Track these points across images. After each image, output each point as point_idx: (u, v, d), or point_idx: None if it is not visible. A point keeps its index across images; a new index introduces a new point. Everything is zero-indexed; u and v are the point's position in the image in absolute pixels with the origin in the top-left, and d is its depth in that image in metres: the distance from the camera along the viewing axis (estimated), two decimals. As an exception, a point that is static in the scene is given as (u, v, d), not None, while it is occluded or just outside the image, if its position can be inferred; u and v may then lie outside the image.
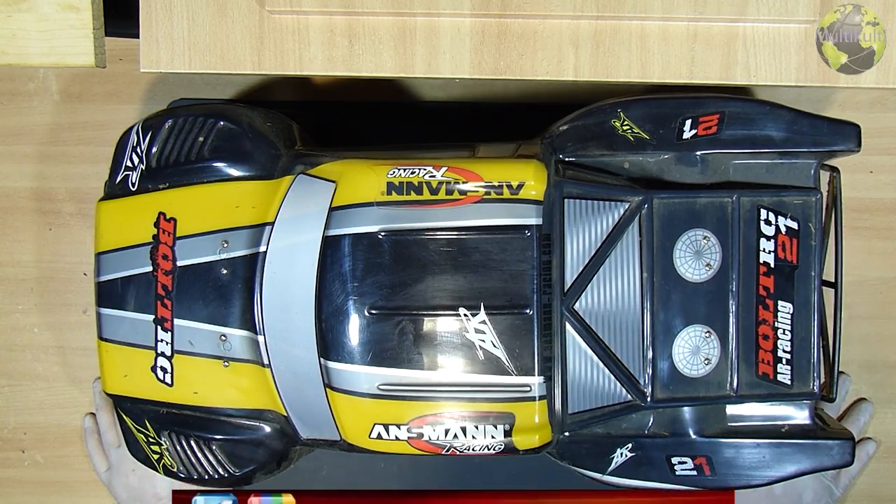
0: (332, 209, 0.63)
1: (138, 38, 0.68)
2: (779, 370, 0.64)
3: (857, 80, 0.67)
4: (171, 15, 0.67)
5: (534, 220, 0.62)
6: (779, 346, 0.64)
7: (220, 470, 0.66)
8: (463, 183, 0.62)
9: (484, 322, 0.62)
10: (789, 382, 0.64)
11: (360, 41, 0.67)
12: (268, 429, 0.66)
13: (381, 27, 0.67)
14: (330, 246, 0.62)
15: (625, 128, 0.65)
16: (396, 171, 0.63)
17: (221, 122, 0.66)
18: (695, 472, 0.65)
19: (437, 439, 0.62)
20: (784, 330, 0.64)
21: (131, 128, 0.68)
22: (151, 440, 0.66)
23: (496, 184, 0.62)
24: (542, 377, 0.62)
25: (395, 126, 0.79)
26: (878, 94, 0.80)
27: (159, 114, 0.69)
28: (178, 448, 0.66)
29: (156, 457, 0.67)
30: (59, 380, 0.83)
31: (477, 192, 0.62)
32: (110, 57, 0.74)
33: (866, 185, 0.80)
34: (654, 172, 0.65)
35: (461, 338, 0.62)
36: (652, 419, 0.65)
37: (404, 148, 0.67)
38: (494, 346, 0.62)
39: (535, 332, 0.62)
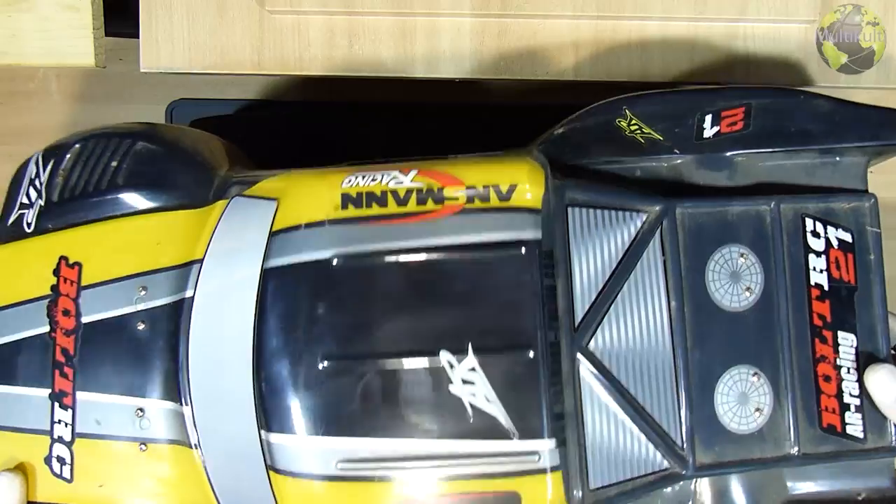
0: (272, 234, 0.50)
1: (138, 38, 0.68)
2: (847, 420, 0.51)
3: (857, 80, 0.67)
4: (171, 15, 0.67)
5: (530, 235, 0.49)
6: (844, 388, 0.51)
7: None
8: (438, 189, 0.50)
9: (473, 370, 0.48)
10: (862, 436, 0.51)
11: (360, 41, 0.67)
12: None
13: (381, 27, 0.67)
14: (270, 281, 0.50)
15: (632, 128, 0.54)
16: (354, 178, 0.51)
17: (139, 144, 0.55)
18: None
19: None
20: (849, 368, 0.51)
21: (30, 158, 0.57)
22: None
23: (481, 188, 0.50)
24: (553, 440, 0.47)
25: (395, 126, 0.79)
26: (878, 94, 0.80)
27: (65, 139, 0.57)
28: None
29: None
30: None
31: (457, 199, 0.50)
32: (110, 57, 0.74)
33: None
34: (672, 179, 0.54)
35: (444, 392, 0.48)
36: (694, 491, 0.52)
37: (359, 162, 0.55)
38: (488, 400, 0.48)
39: (542, 381, 0.48)
